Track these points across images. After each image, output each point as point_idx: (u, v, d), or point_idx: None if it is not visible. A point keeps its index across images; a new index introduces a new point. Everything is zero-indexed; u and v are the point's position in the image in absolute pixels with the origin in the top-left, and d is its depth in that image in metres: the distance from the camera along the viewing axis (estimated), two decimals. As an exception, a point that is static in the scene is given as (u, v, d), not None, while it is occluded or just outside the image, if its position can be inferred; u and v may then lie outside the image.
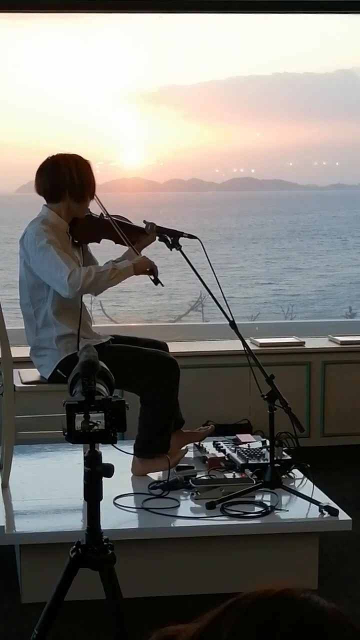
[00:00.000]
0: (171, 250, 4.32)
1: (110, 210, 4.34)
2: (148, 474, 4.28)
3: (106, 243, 4.41)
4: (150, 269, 4.27)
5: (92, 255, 4.45)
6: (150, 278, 4.31)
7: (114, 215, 4.37)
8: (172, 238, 4.31)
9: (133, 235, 4.37)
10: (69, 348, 4.16)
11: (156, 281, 4.31)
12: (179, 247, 4.29)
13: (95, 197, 4.28)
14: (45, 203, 4.30)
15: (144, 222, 4.37)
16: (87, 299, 4.40)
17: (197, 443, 4.59)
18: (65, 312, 4.21)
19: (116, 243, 4.39)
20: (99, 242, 4.38)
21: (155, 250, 4.47)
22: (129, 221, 4.43)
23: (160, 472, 4.26)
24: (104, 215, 4.32)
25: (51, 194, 4.25)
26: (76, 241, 4.32)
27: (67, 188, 4.22)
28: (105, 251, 4.67)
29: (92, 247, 4.47)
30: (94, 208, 4.35)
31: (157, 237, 4.36)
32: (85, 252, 4.40)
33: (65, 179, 4.21)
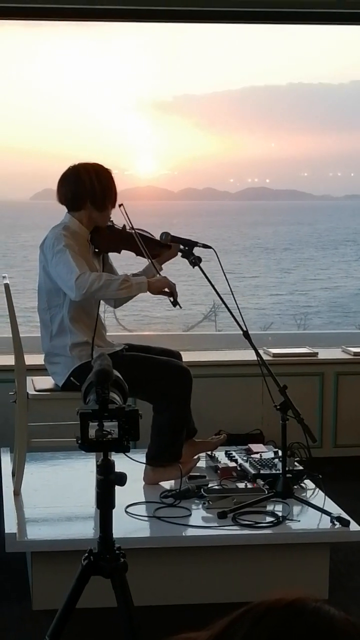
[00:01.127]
0: (193, 267, 4.29)
1: (121, 217, 4.35)
2: (160, 483, 4.29)
3: (129, 255, 4.42)
4: (169, 290, 4.27)
5: (113, 266, 4.46)
6: (170, 300, 4.29)
7: (137, 228, 4.37)
8: (186, 247, 4.32)
9: (155, 249, 4.37)
10: (82, 356, 4.17)
11: (175, 303, 4.28)
12: (193, 257, 4.29)
13: (123, 208, 4.29)
14: (67, 211, 4.32)
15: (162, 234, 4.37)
16: (101, 307, 4.41)
17: (209, 452, 4.59)
18: (81, 319, 4.23)
19: (137, 255, 4.39)
20: (119, 253, 4.40)
21: (175, 260, 4.45)
22: (151, 235, 4.44)
23: (172, 481, 4.26)
24: (127, 227, 4.34)
25: (72, 202, 4.28)
26: (96, 250, 4.34)
27: (88, 197, 4.24)
28: (117, 261, 4.67)
29: (113, 257, 4.49)
30: (118, 219, 4.37)
31: (180, 254, 4.36)
32: (106, 262, 4.42)
33: (86, 187, 4.24)
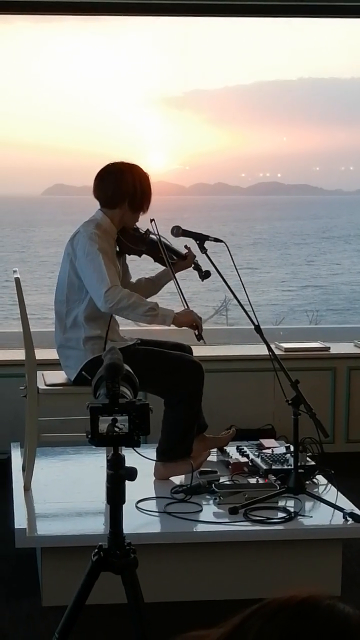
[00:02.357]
0: (202, 280, 4.38)
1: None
2: (170, 478, 4.27)
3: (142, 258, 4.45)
4: (195, 325, 4.27)
5: (128, 268, 4.47)
6: (195, 333, 4.31)
7: (152, 233, 4.40)
8: (197, 241, 4.32)
9: (172, 257, 4.42)
10: (95, 350, 4.16)
11: (199, 337, 4.31)
12: (204, 251, 4.30)
13: (154, 223, 4.32)
14: (100, 207, 4.32)
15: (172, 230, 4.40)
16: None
17: (220, 447, 4.56)
18: (95, 316, 4.21)
19: (155, 261, 4.43)
20: (139, 257, 4.41)
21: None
22: (170, 243, 4.46)
23: (183, 476, 4.24)
24: (150, 232, 4.35)
25: (111, 199, 4.28)
26: (117, 249, 4.34)
27: (128, 196, 4.25)
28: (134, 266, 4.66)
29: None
30: (139, 224, 4.39)
31: (192, 266, 4.42)
32: (124, 262, 4.43)
33: (128, 187, 4.25)
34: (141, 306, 4.10)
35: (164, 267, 4.45)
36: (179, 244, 4.48)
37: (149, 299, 4.30)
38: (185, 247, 4.45)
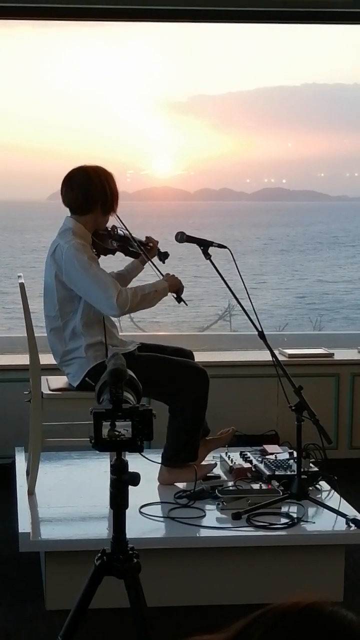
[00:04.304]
0: (163, 262, 4.43)
1: (138, 218, 4.36)
2: (174, 484, 4.27)
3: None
4: (178, 289, 4.33)
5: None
6: (173, 296, 4.35)
7: (119, 228, 4.39)
8: (202, 247, 4.31)
9: (141, 248, 4.43)
10: (98, 356, 4.16)
11: (179, 299, 4.35)
12: (208, 257, 4.29)
13: (115, 215, 4.32)
14: (71, 215, 4.29)
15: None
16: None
17: (223, 454, 4.56)
18: (93, 322, 4.21)
19: (126, 255, 4.45)
20: (113, 254, 4.40)
21: (186, 261, 4.48)
22: (131, 233, 4.46)
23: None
24: (116, 227, 4.35)
25: (83, 206, 4.23)
26: (94, 250, 4.31)
27: (99, 200, 4.21)
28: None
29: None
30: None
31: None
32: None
33: (98, 190, 4.20)
34: (148, 294, 4.16)
35: (132, 260, 4.48)
36: (183, 248, 4.48)
37: None
38: (146, 237, 4.46)
